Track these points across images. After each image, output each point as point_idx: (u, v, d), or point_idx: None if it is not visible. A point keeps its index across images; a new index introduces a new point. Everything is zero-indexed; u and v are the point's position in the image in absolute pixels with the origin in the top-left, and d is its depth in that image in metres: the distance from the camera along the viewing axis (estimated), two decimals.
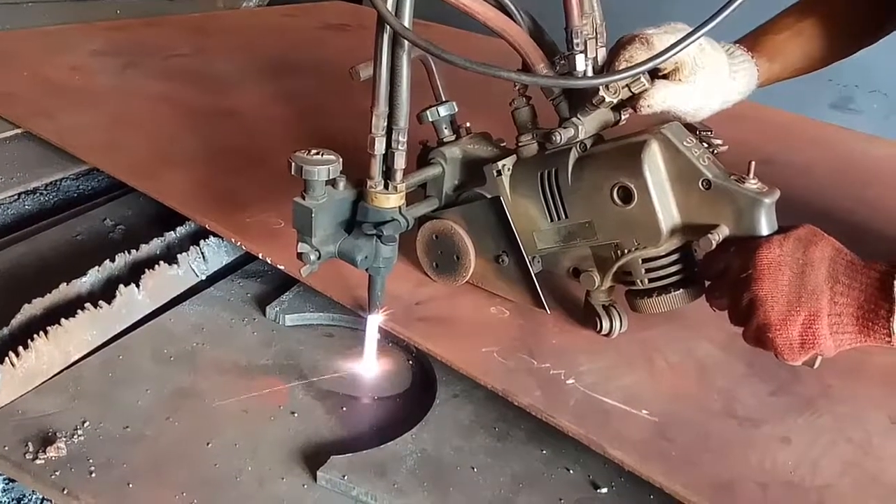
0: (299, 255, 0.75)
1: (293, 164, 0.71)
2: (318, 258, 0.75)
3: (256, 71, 1.64)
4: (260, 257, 0.92)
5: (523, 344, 0.81)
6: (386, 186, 0.75)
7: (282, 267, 0.90)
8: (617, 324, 0.81)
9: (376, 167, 0.74)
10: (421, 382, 0.83)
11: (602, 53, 0.77)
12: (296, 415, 0.76)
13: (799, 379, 0.78)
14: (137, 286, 0.87)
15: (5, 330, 0.79)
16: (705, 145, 0.75)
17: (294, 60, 1.76)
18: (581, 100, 0.78)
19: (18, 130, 1.23)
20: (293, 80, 1.61)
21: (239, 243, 0.94)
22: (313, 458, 0.71)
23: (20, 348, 0.75)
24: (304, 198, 0.73)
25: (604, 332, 0.81)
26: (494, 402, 0.77)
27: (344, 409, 0.78)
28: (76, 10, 2.04)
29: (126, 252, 0.94)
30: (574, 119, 0.77)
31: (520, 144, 0.82)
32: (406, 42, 0.69)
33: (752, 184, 0.70)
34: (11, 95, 1.34)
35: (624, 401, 0.74)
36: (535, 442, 0.75)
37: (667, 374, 0.79)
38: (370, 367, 0.83)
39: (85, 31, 1.82)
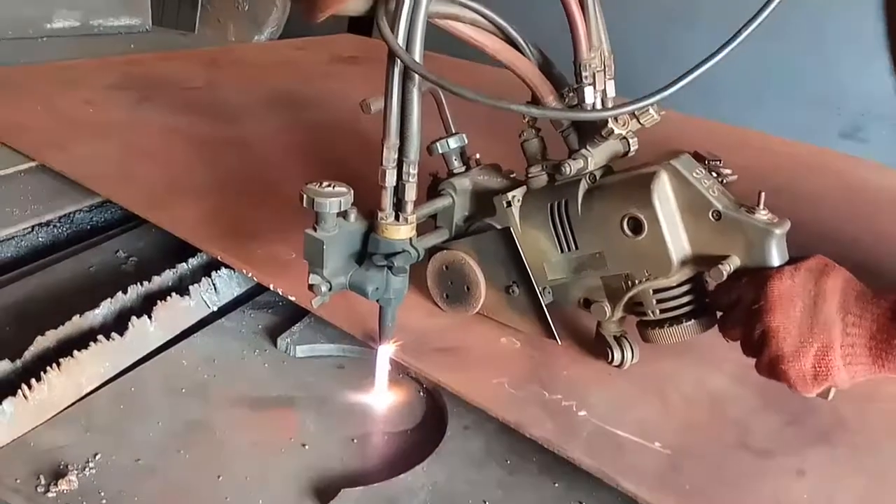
0: (310, 287, 0.75)
1: (305, 196, 0.72)
2: (330, 289, 0.75)
3: (268, 103, 1.66)
4: (271, 288, 0.93)
5: (534, 375, 0.80)
6: (397, 218, 0.76)
7: (292, 298, 0.90)
8: (629, 355, 0.80)
9: (387, 199, 0.75)
10: (432, 413, 0.83)
11: (611, 86, 0.78)
12: (306, 447, 0.76)
13: (813, 410, 0.77)
14: (150, 318, 0.87)
15: (18, 362, 0.80)
16: (715, 175, 0.76)
17: (305, 92, 1.78)
18: (590, 131, 0.78)
19: (33, 163, 1.25)
20: (304, 111, 1.63)
21: (250, 274, 0.95)
22: (324, 491, 0.70)
23: (33, 380, 0.75)
24: (315, 229, 0.74)
25: (615, 364, 0.81)
26: (506, 434, 0.76)
27: (355, 440, 0.78)
28: (91, 45, 2.09)
29: (139, 284, 0.95)
30: (583, 150, 0.78)
31: (530, 176, 0.83)
32: (416, 75, 0.69)
33: (763, 214, 0.70)
34: (26, 128, 1.36)
35: (636, 433, 0.73)
36: (548, 474, 0.74)
37: (679, 405, 0.78)
38: (381, 398, 0.83)
39: (100, 65, 1.85)
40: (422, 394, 0.85)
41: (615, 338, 0.81)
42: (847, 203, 1.35)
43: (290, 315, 0.95)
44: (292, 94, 1.76)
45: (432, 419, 0.82)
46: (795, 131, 1.74)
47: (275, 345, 0.90)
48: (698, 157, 0.79)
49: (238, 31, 2.56)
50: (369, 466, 0.75)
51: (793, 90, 2.43)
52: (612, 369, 0.81)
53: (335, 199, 0.72)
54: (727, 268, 0.70)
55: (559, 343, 0.83)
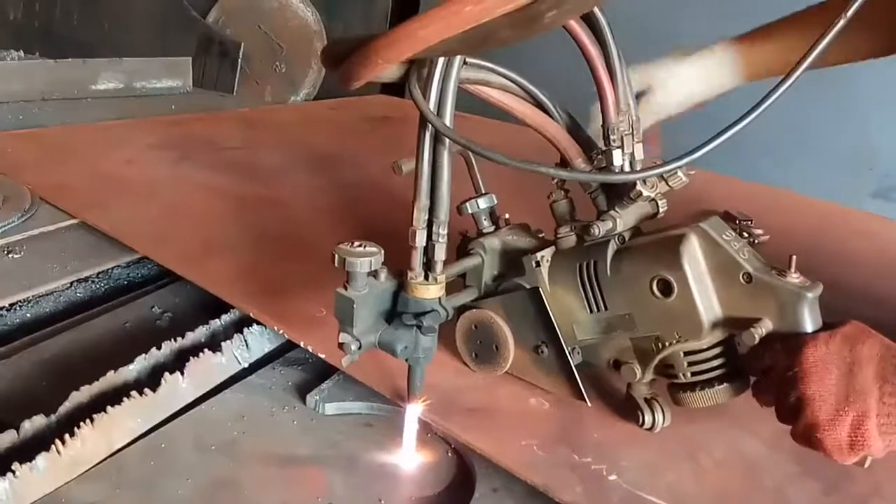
0: (340, 346, 0.76)
1: (336, 256, 0.73)
2: (359, 348, 0.75)
3: (303, 162, 1.70)
4: (301, 345, 0.94)
5: (564, 437, 0.80)
6: (426, 277, 0.77)
7: (322, 355, 0.90)
8: (660, 417, 0.79)
9: (417, 259, 0.76)
10: (460, 475, 0.82)
11: (639, 149, 0.79)
12: None
13: (850, 477, 0.75)
14: (182, 374, 0.88)
15: (53, 417, 0.81)
16: (746, 235, 0.76)
17: (338, 152, 1.82)
18: (619, 194, 0.79)
19: (74, 221, 1.28)
20: (337, 170, 1.66)
21: (281, 331, 0.96)
22: None
23: (66, 436, 0.76)
24: (346, 288, 0.75)
25: (646, 427, 0.80)
26: (535, 497, 0.75)
27: (382, 501, 0.77)
28: (133, 106, 2.16)
29: (172, 340, 0.96)
30: (612, 212, 0.79)
31: (558, 236, 0.83)
32: (447, 139, 0.71)
33: (794, 277, 0.69)
34: (68, 187, 1.41)
35: (668, 499, 0.72)
36: None
37: (712, 471, 0.77)
38: (409, 457, 0.82)
39: (141, 125, 1.91)
40: (450, 454, 0.85)
41: (646, 400, 0.80)
42: (880, 265, 1.33)
43: (320, 372, 0.95)
44: (326, 153, 1.79)
45: (460, 480, 0.81)
46: (827, 191, 1.73)
47: (304, 402, 0.90)
48: (728, 217, 0.79)
49: (275, 92, 2.63)
50: None
51: (824, 149, 2.42)
52: (643, 432, 0.80)
53: (366, 258, 0.73)
54: (759, 331, 0.69)
55: (589, 404, 0.82)
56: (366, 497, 0.77)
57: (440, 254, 0.76)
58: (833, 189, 1.86)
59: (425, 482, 0.81)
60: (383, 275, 0.76)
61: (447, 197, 0.74)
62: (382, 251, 0.74)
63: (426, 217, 0.74)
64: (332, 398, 0.90)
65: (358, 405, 0.90)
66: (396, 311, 0.78)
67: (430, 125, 0.70)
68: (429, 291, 0.77)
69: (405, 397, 0.82)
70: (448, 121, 0.71)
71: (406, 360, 0.79)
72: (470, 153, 0.87)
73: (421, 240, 0.75)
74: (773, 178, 1.87)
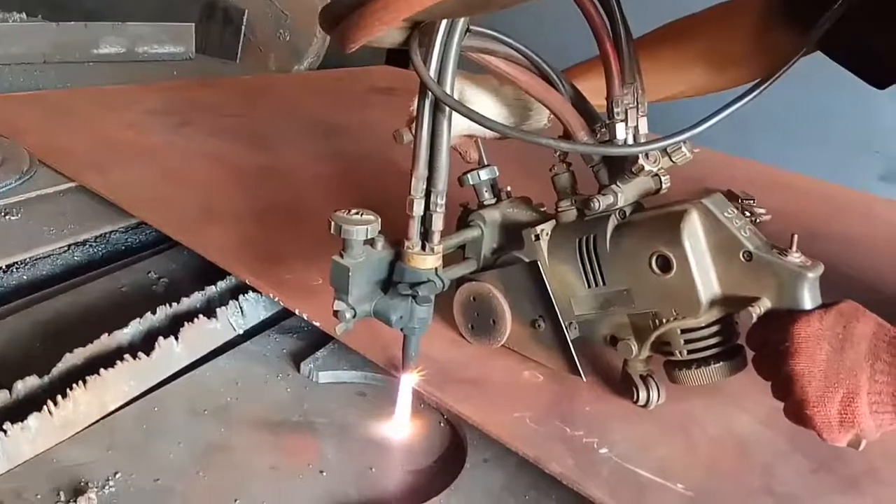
0: (335, 313, 0.75)
1: (333, 223, 0.72)
2: (354, 316, 0.75)
3: (305, 131, 1.69)
4: (296, 313, 0.93)
5: (556, 410, 0.79)
6: (423, 248, 0.76)
7: (317, 323, 0.90)
8: (654, 395, 0.79)
9: (414, 228, 0.75)
10: (452, 445, 0.82)
11: (643, 123, 0.78)
12: (324, 473, 0.76)
13: (843, 458, 0.75)
14: (176, 339, 0.88)
15: (46, 378, 0.81)
16: (748, 214, 0.75)
17: (341, 122, 1.80)
18: (621, 168, 0.78)
19: (73, 184, 1.28)
20: (339, 140, 1.65)
21: (276, 298, 0.96)
22: None
23: (59, 397, 0.76)
24: (342, 256, 0.74)
25: (640, 403, 0.79)
26: (526, 469, 0.75)
27: (373, 469, 0.77)
28: (135, 71, 2.14)
29: (167, 305, 0.96)
30: (613, 186, 0.78)
31: (559, 210, 0.82)
32: (447, 107, 0.70)
33: (795, 257, 0.69)
34: (68, 151, 1.40)
35: (659, 473, 0.72)
36: None
37: (704, 447, 0.77)
38: (402, 427, 0.82)
39: (142, 91, 1.90)
40: (442, 424, 0.85)
41: (641, 377, 0.80)
42: (885, 248, 1.33)
43: (315, 340, 0.95)
44: (329, 123, 1.78)
45: (452, 451, 0.81)
46: (833, 173, 1.71)
47: (298, 370, 0.90)
48: (731, 197, 0.78)
49: (279, 60, 2.60)
50: (386, 496, 0.74)
51: (831, 130, 2.41)
52: (636, 407, 0.80)
53: (362, 226, 0.72)
54: (757, 310, 0.68)
55: (584, 379, 0.82)
56: (357, 465, 0.78)
57: (437, 224, 0.75)
58: (839, 171, 1.84)
59: (417, 452, 0.81)
60: (380, 243, 0.76)
61: (446, 166, 0.73)
62: (379, 219, 0.74)
63: (424, 186, 0.73)
64: (326, 367, 0.90)
65: (352, 374, 0.90)
66: (392, 281, 0.77)
67: (429, 93, 0.69)
68: (425, 262, 0.76)
69: (399, 367, 0.81)
70: (448, 88, 0.69)
71: (401, 330, 0.79)
72: None
73: (418, 209, 0.74)
74: (779, 160, 1.86)
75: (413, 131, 0.83)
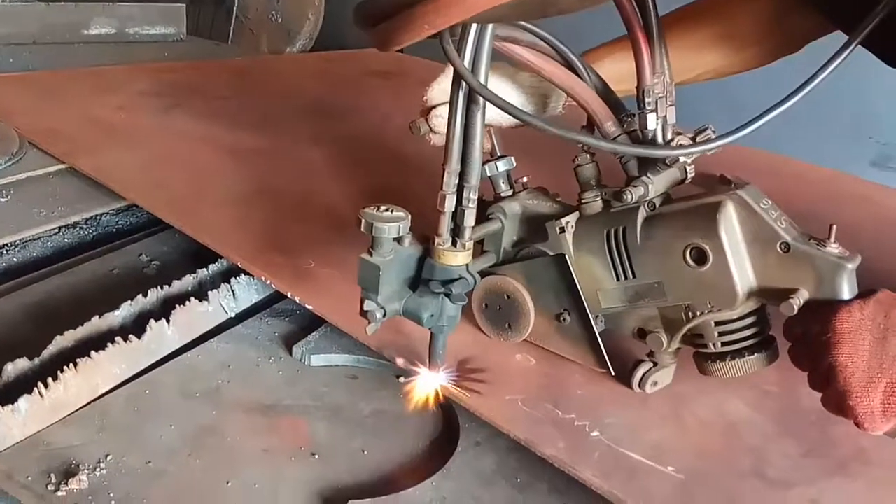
0: (364, 314, 0.73)
1: (363, 221, 0.70)
2: (384, 316, 0.73)
3: (297, 114, 1.68)
4: (289, 296, 0.93)
5: (549, 393, 0.80)
6: (454, 244, 0.74)
7: (310, 306, 0.90)
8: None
9: (445, 224, 0.73)
10: (444, 428, 0.82)
11: (671, 112, 0.76)
12: (316, 456, 0.76)
13: (832, 441, 0.76)
14: (168, 322, 0.88)
15: (36, 360, 0.80)
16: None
17: (334, 105, 1.79)
18: (651, 159, 0.76)
19: (62, 166, 1.27)
20: (333, 124, 1.64)
21: (268, 282, 0.95)
22: (332, 501, 0.70)
23: (49, 379, 0.76)
24: (371, 254, 0.72)
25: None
26: (517, 451, 0.76)
27: (365, 452, 0.77)
28: (125, 52, 2.12)
29: (159, 288, 0.95)
30: (644, 178, 0.75)
31: (583, 201, 0.80)
32: (481, 99, 0.68)
33: (834, 248, 0.67)
34: (57, 132, 1.39)
35: (650, 456, 0.72)
36: (557, 495, 0.73)
37: (695, 430, 0.77)
38: (396, 409, 0.82)
39: (133, 72, 1.88)
40: (434, 407, 0.85)
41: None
42: (879, 233, 1.33)
43: (307, 324, 0.95)
44: (322, 106, 1.77)
45: (444, 434, 0.81)
46: (825, 158, 1.71)
47: (290, 353, 0.90)
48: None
49: (271, 42, 2.59)
50: (378, 479, 0.75)
51: (824, 116, 2.40)
52: (628, 390, 0.80)
53: (394, 223, 0.70)
54: (797, 301, 0.67)
55: (612, 374, 0.80)
56: (349, 448, 0.78)
57: (469, 220, 0.72)
58: (832, 157, 1.84)
59: (409, 435, 0.81)
60: (408, 240, 0.73)
61: (479, 160, 0.70)
62: (409, 216, 0.71)
63: (456, 181, 0.71)
64: (318, 350, 0.90)
65: (344, 357, 0.90)
66: (422, 279, 0.75)
67: (463, 84, 0.66)
68: (456, 258, 0.74)
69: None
70: (483, 79, 0.67)
71: (429, 329, 0.77)
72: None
73: (450, 205, 0.71)
74: (772, 145, 1.85)
75: (429, 122, 0.82)
